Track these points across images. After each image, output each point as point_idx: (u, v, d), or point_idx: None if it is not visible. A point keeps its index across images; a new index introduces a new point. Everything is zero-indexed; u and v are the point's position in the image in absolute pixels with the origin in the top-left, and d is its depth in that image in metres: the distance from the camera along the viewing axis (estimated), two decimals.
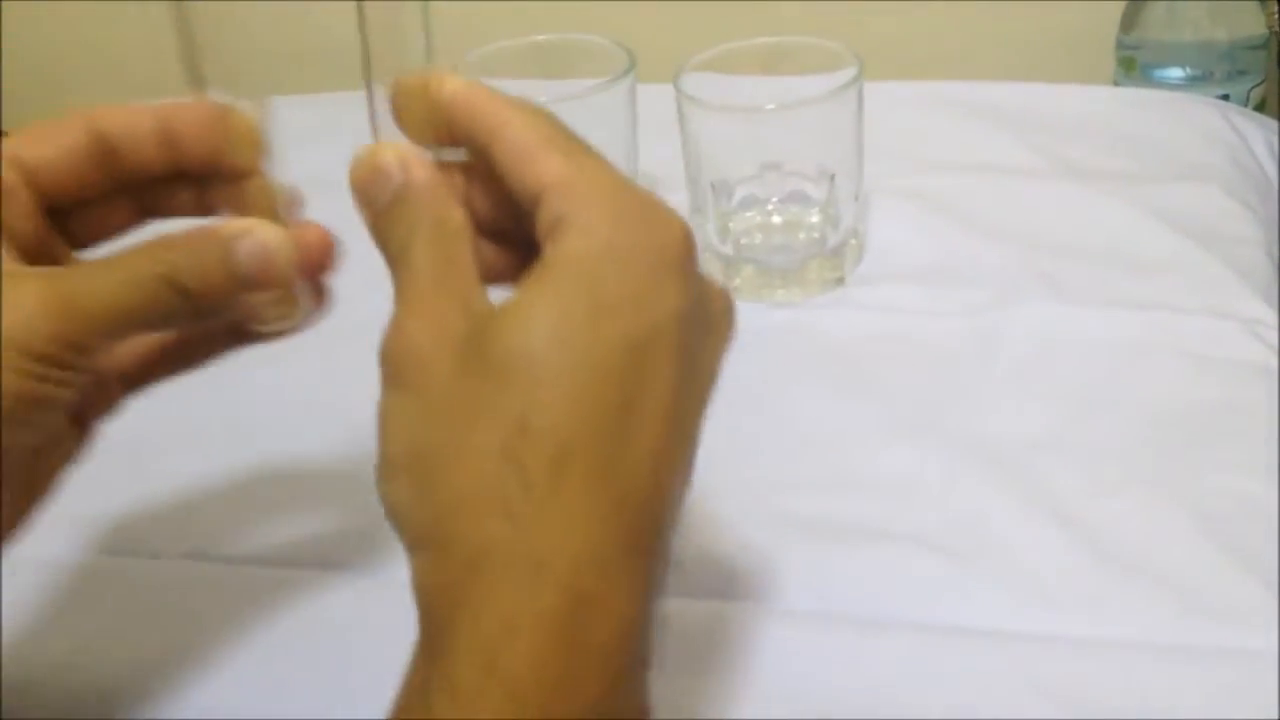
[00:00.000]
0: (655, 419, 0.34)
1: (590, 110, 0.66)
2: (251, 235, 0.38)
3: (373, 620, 0.50)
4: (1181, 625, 0.48)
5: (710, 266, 0.67)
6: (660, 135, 0.66)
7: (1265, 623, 0.47)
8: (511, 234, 0.38)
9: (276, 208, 0.40)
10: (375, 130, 0.38)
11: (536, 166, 0.35)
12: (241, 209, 0.40)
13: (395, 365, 0.35)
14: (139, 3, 1.07)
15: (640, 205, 0.35)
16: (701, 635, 0.49)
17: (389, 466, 0.35)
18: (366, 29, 0.38)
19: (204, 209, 0.42)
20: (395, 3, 0.37)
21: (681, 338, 0.35)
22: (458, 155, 0.38)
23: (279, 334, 0.40)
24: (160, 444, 0.58)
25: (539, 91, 0.65)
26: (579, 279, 0.34)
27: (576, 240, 0.34)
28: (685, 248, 0.36)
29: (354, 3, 0.37)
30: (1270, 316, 0.61)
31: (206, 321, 0.39)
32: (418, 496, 0.34)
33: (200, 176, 0.41)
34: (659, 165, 0.70)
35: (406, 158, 0.37)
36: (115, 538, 0.55)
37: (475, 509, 0.33)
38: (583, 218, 0.34)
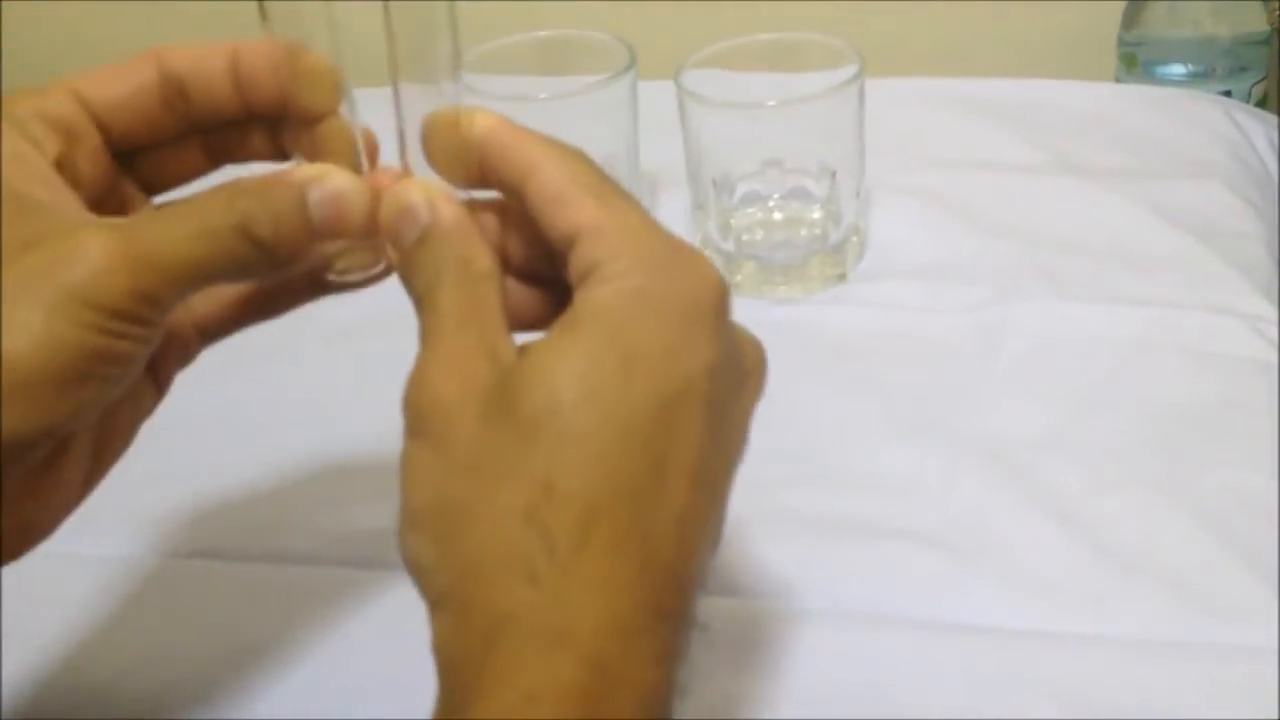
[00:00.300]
0: (683, 478, 0.34)
1: (591, 106, 0.66)
2: (325, 181, 0.36)
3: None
4: (1182, 622, 0.48)
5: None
6: (662, 132, 0.66)
7: (1266, 620, 0.47)
8: (545, 276, 0.37)
9: (352, 152, 0.38)
10: (402, 133, 0.37)
11: (569, 210, 0.35)
12: (316, 154, 0.38)
13: (418, 414, 0.34)
14: (138, 3, 1.08)
15: (674, 253, 0.35)
16: (702, 631, 0.49)
17: (410, 518, 0.34)
18: (393, 28, 0.37)
19: (278, 153, 0.40)
20: (422, 2, 0.36)
21: (712, 393, 0.34)
22: (490, 195, 0.37)
23: (360, 284, 0.39)
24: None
25: (540, 88, 0.66)
26: (608, 330, 0.33)
27: (607, 289, 0.34)
28: (719, 298, 0.35)
29: (381, 1, 0.37)
30: (1271, 313, 0.61)
31: (283, 271, 0.37)
32: (439, 554, 0.34)
33: (274, 119, 0.39)
34: (660, 162, 0.70)
35: (434, 196, 0.36)
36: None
37: (497, 572, 0.33)
38: (615, 265, 0.34)
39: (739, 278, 0.66)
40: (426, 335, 0.35)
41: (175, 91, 0.39)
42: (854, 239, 0.66)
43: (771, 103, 0.62)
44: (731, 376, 0.35)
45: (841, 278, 0.66)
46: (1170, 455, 0.54)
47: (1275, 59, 0.88)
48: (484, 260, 0.36)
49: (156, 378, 0.40)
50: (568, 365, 0.33)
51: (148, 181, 0.40)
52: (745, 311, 0.65)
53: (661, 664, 0.33)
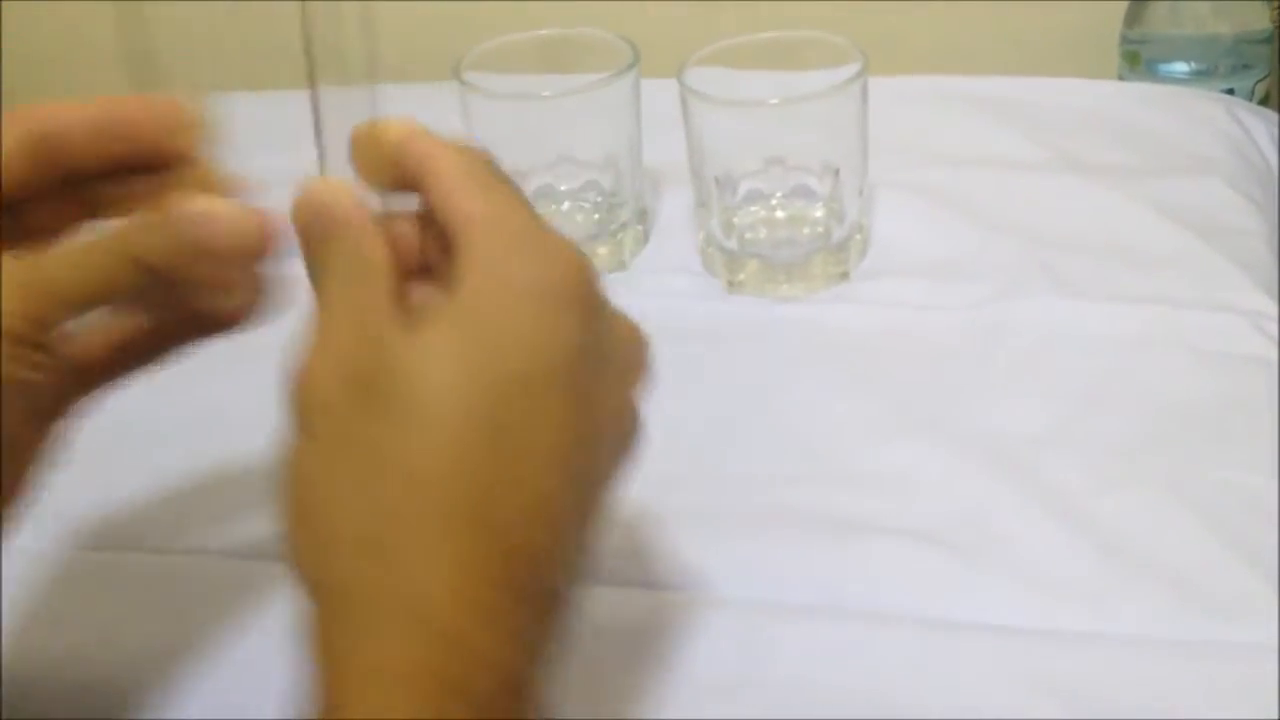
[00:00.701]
0: (541, 461, 0.35)
1: (594, 105, 0.66)
2: (210, 209, 0.38)
3: None
4: (1183, 620, 0.48)
5: (714, 262, 0.67)
6: (664, 130, 0.66)
7: (1268, 617, 0.47)
8: None
9: (224, 195, 0.40)
10: (319, 134, 0.38)
11: (455, 202, 0.36)
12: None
13: (297, 403, 0.35)
14: (139, 2, 1.08)
15: (539, 241, 0.36)
16: (706, 629, 0.49)
17: (283, 505, 0.35)
18: (310, 32, 0.38)
19: (151, 204, 0.40)
20: (339, 2, 0.37)
21: (577, 377, 0.35)
22: (410, 203, 0.38)
23: (242, 324, 0.40)
24: (145, 439, 0.58)
25: (543, 86, 0.66)
26: (471, 318, 0.35)
27: (474, 278, 0.35)
28: (583, 284, 0.36)
29: (299, 3, 0.37)
30: (1273, 310, 0.61)
31: (170, 299, 0.39)
32: (305, 537, 0.35)
33: (145, 170, 0.40)
34: (663, 160, 0.70)
35: (337, 194, 0.37)
36: (111, 533, 0.55)
37: (352, 555, 0.34)
38: (482, 254, 0.35)
39: (742, 276, 0.66)
40: (316, 327, 0.36)
41: (46, 148, 0.39)
42: (856, 237, 0.67)
43: (774, 101, 0.62)
44: (602, 362, 0.36)
45: (844, 276, 0.66)
46: (1171, 453, 0.54)
47: (1278, 57, 0.88)
48: (378, 257, 0.36)
49: (52, 424, 0.41)
50: (432, 353, 0.34)
51: (21, 237, 0.40)
52: (748, 310, 0.65)
53: (523, 646, 0.34)
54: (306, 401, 0.35)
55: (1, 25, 1.14)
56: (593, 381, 0.36)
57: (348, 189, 0.37)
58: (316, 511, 0.35)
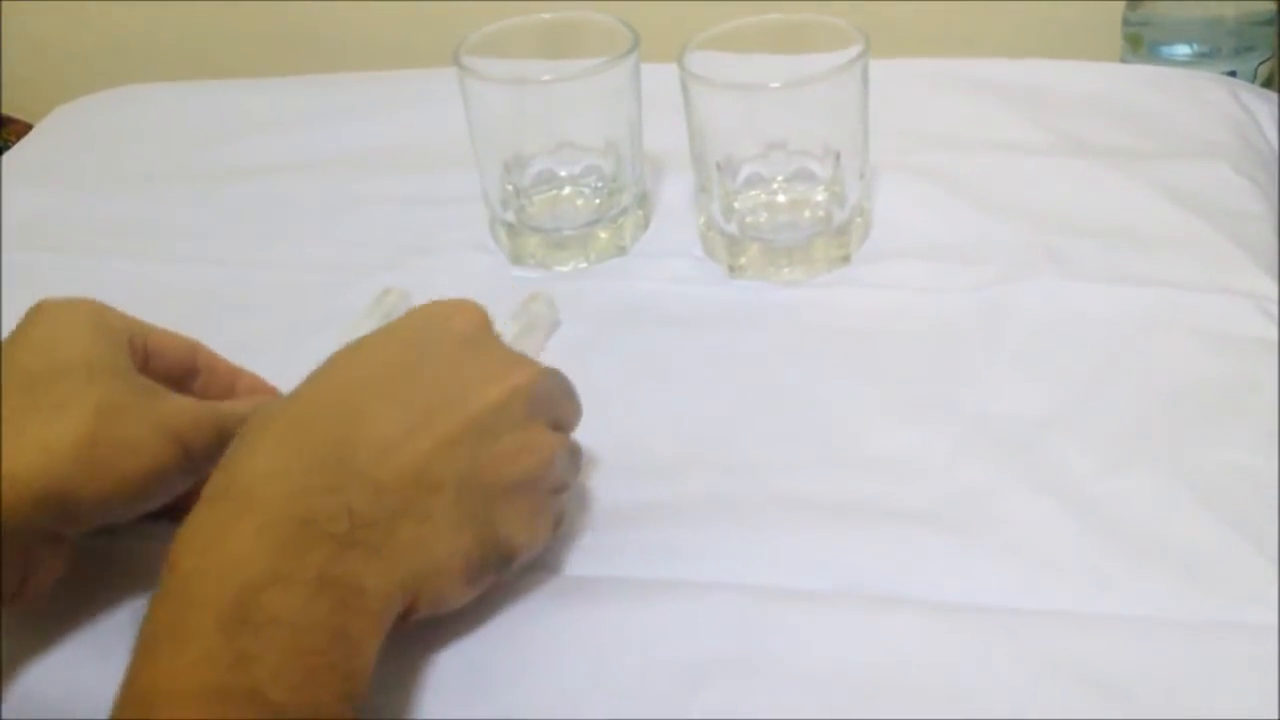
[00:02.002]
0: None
1: (594, 90, 0.66)
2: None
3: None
4: (1188, 601, 0.48)
5: (716, 246, 0.67)
6: (665, 115, 0.66)
7: (1271, 598, 0.47)
8: None
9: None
10: None
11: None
12: None
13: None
14: (138, 2, 1.08)
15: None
16: (711, 615, 0.49)
17: None
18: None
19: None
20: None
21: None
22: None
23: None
24: None
25: (544, 70, 0.66)
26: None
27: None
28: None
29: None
30: (1276, 292, 0.61)
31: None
32: None
33: None
34: (664, 145, 0.70)
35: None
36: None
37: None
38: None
39: (743, 260, 0.66)
40: None
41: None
42: (858, 220, 0.66)
43: (775, 85, 0.62)
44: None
45: (846, 259, 0.66)
46: (1175, 434, 0.54)
47: None
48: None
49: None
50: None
51: None
52: (750, 293, 0.65)
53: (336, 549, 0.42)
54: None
55: (1, 25, 1.14)
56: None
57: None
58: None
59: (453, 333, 0.48)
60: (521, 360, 0.49)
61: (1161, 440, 0.54)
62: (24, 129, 1.11)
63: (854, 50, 0.63)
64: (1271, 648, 0.45)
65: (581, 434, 0.51)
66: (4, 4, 1.16)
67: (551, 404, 0.49)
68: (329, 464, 0.43)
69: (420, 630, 0.48)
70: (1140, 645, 0.46)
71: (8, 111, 1.18)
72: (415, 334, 0.48)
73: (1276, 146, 0.73)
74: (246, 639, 0.39)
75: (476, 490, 0.45)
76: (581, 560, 0.52)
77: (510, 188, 0.68)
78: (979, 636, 0.47)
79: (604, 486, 0.55)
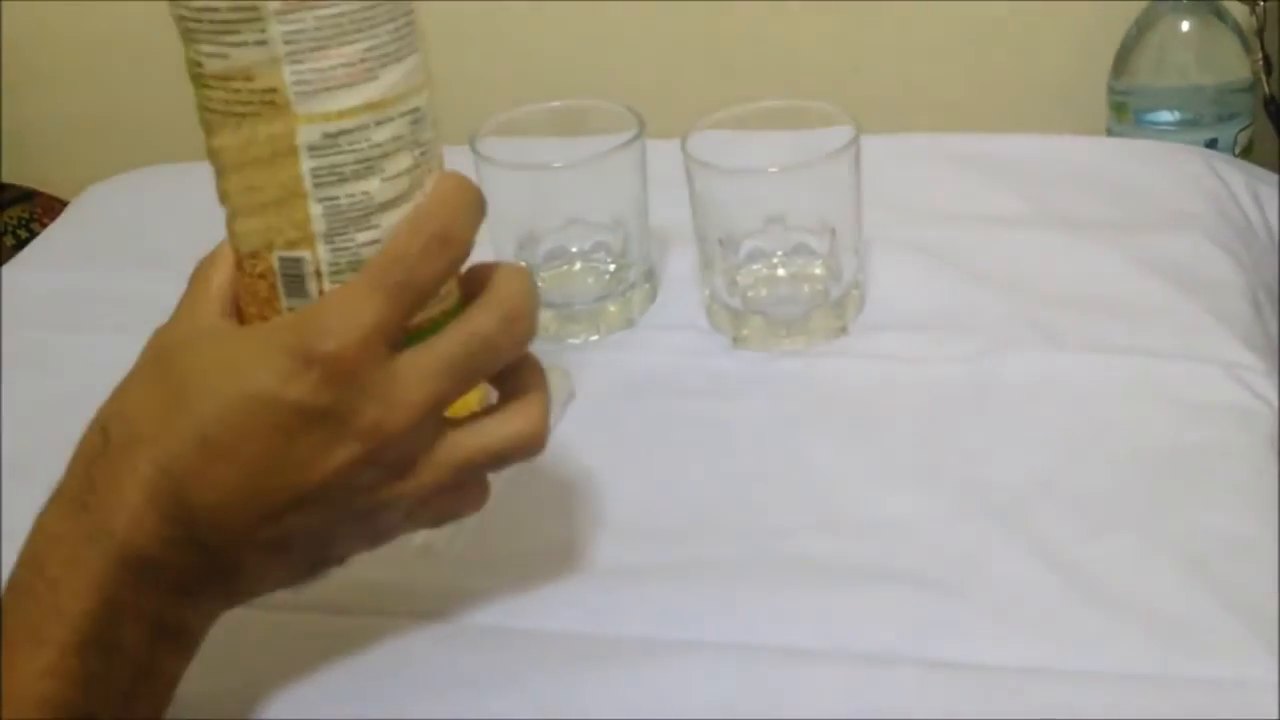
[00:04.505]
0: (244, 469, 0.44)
1: (603, 172, 0.69)
2: None
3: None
4: (1166, 658, 0.50)
5: (719, 318, 0.70)
6: (670, 188, 0.69)
7: (1248, 656, 0.50)
8: None
9: None
10: None
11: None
12: None
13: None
14: (138, 2, 1.10)
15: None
16: (713, 673, 0.52)
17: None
18: None
19: None
20: None
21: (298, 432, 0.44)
22: None
23: None
24: None
25: (555, 155, 0.69)
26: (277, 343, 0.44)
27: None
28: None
29: None
30: (1252, 361, 0.63)
31: None
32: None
33: None
34: (669, 220, 0.73)
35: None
36: None
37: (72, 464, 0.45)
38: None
39: (746, 331, 0.69)
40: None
41: None
42: (854, 293, 0.70)
43: (773, 169, 0.65)
44: (333, 432, 0.44)
45: (843, 330, 0.69)
46: (1154, 499, 0.57)
47: (1260, 106, 0.91)
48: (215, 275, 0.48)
49: None
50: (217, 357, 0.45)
51: None
52: (751, 364, 0.68)
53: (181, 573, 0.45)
54: (146, 348, 0.47)
55: (1, 26, 1.16)
56: (305, 438, 0.44)
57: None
58: (91, 422, 0.46)
59: (285, 402, 0.43)
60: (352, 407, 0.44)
61: (1141, 504, 0.57)
62: (50, 202, 1.15)
63: (846, 132, 0.66)
64: (1246, 702, 0.48)
65: (590, 499, 0.54)
66: (36, 76, 1.18)
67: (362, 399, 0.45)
68: (175, 520, 0.44)
69: (418, 685, 0.50)
70: (1123, 701, 0.49)
71: (8, 126, 1.20)
72: (258, 397, 0.44)
73: (1250, 216, 0.76)
74: (96, 661, 0.43)
75: (312, 534, 0.46)
76: (584, 620, 0.55)
77: (524, 264, 0.72)
78: (970, 693, 0.50)
79: (608, 549, 0.58)
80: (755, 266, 0.70)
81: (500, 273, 0.47)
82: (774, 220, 0.69)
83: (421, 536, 0.59)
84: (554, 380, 0.66)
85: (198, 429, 0.43)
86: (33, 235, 1.08)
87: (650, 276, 0.73)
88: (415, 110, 0.45)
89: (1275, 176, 0.82)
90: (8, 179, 1.18)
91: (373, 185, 0.44)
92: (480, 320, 0.46)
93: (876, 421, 0.64)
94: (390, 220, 0.45)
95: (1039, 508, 0.57)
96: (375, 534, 0.48)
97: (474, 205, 0.46)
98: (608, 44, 1.08)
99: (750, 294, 0.70)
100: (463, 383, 0.46)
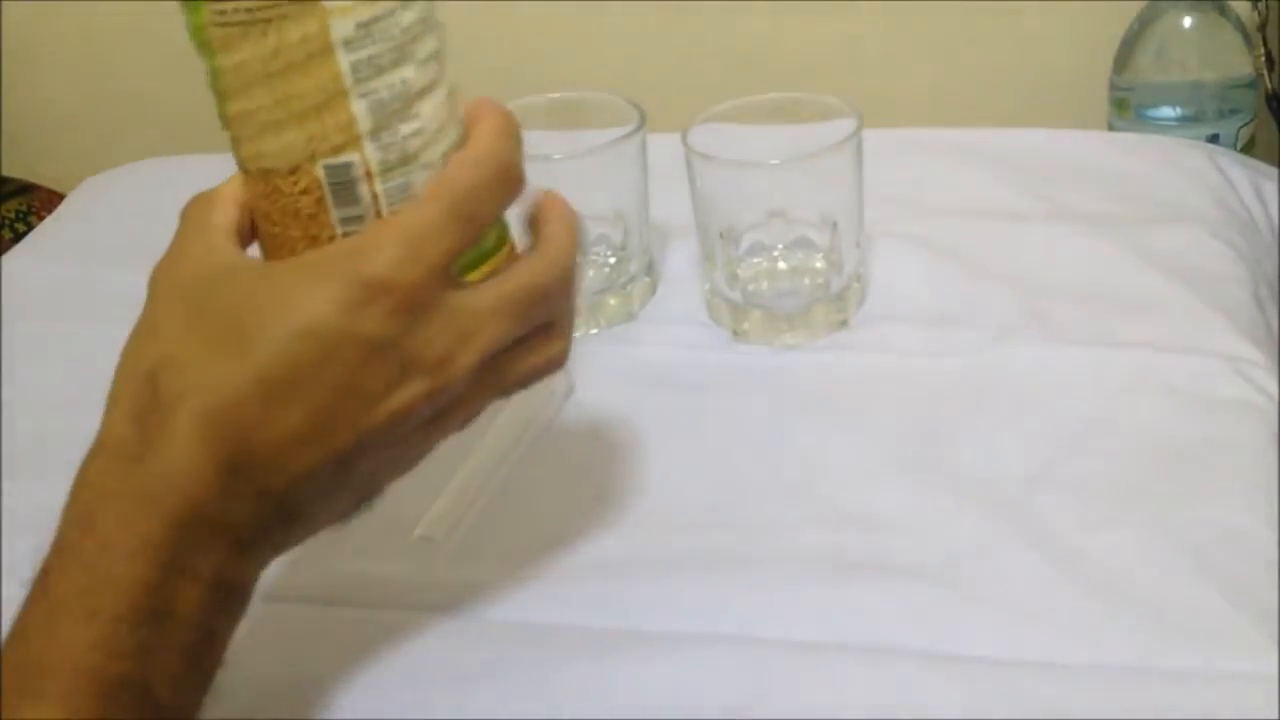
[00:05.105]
0: (304, 412, 0.42)
1: (603, 165, 0.69)
2: None
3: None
4: (1169, 650, 0.50)
5: (720, 312, 0.70)
6: (672, 182, 0.69)
7: (1253, 650, 0.50)
8: None
9: None
10: None
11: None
12: None
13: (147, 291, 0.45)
14: (139, 2, 1.10)
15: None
16: (714, 666, 0.52)
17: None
18: None
19: None
20: None
21: (361, 366, 0.42)
22: None
23: None
24: None
25: (556, 144, 0.69)
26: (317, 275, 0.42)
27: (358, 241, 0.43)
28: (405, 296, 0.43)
29: None
30: (1253, 355, 0.63)
31: None
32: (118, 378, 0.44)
33: None
34: (670, 213, 0.73)
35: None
36: None
37: (111, 417, 0.43)
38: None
39: (746, 325, 0.69)
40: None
41: None
42: (855, 286, 0.69)
43: (774, 161, 0.65)
44: (397, 367, 0.42)
45: (843, 324, 0.69)
46: (1156, 491, 0.57)
47: (1262, 102, 0.91)
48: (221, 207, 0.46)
49: None
50: (262, 294, 0.43)
51: None
52: (752, 358, 0.68)
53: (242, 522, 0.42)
54: (152, 288, 0.45)
55: (1, 26, 1.16)
56: (369, 371, 0.42)
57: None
58: (122, 371, 0.43)
59: (354, 335, 0.42)
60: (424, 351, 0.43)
61: (1143, 497, 0.57)
62: (48, 196, 1.15)
63: (849, 125, 0.66)
64: (1253, 697, 0.48)
65: (591, 491, 0.54)
66: (34, 69, 1.18)
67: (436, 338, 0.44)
68: (236, 470, 0.42)
69: (417, 678, 0.50)
70: (1124, 693, 0.49)
71: (8, 128, 1.20)
72: (322, 331, 0.42)
73: (1253, 211, 0.76)
74: (149, 631, 0.40)
75: (371, 470, 0.45)
76: (582, 612, 0.55)
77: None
78: (972, 686, 0.50)
79: (607, 542, 0.58)
80: (756, 260, 0.70)
81: (556, 223, 0.47)
82: (775, 213, 0.69)
83: (420, 528, 0.59)
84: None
85: (258, 370, 0.41)
86: (31, 228, 1.08)
87: (651, 270, 0.73)
88: None
89: (1276, 171, 0.82)
90: (6, 172, 1.18)
91: (409, 72, 0.43)
92: (540, 271, 0.46)
93: (877, 415, 0.63)
94: (428, 108, 0.44)
95: (1040, 501, 0.57)
96: (419, 458, 0.47)
97: (520, 138, 0.46)
98: (609, 37, 1.08)
99: (751, 287, 0.69)
100: (523, 327, 0.45)
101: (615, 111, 0.70)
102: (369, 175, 0.43)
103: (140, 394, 0.42)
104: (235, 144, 0.44)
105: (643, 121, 0.69)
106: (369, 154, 0.43)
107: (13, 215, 1.13)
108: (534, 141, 0.71)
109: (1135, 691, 0.49)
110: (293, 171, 0.43)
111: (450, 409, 0.45)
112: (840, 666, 0.51)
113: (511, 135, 0.46)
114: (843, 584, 0.55)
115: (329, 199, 0.43)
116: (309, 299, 0.41)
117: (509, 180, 0.45)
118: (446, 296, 0.43)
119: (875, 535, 0.57)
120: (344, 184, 0.43)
